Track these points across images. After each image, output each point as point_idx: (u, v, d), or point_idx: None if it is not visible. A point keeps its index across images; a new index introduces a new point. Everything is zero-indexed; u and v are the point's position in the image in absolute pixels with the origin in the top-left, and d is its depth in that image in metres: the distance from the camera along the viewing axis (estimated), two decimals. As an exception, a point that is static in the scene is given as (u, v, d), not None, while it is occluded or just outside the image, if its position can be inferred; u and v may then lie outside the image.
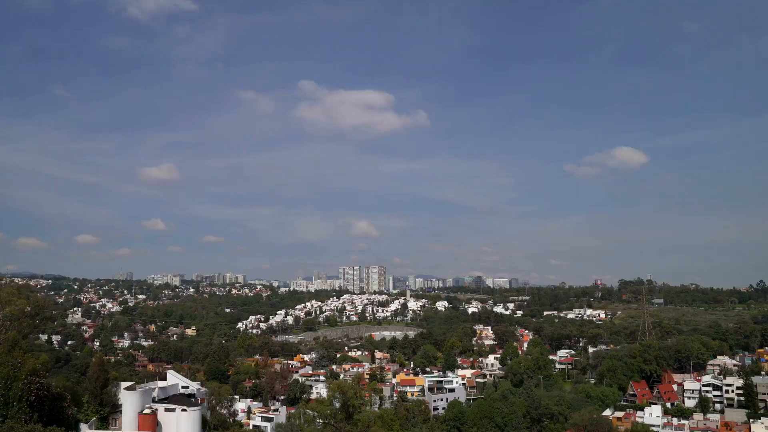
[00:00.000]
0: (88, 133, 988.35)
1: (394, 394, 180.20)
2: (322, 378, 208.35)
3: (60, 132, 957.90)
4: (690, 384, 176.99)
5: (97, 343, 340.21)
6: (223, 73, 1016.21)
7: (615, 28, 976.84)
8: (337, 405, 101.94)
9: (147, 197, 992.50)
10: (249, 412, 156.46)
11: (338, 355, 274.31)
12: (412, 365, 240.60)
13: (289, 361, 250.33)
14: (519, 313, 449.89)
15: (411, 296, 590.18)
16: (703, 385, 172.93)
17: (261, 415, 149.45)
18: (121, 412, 74.06)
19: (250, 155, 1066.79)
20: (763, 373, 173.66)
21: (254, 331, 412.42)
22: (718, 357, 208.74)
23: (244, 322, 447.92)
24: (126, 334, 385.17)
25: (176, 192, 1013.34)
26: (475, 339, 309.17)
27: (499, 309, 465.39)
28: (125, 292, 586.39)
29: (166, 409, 71.63)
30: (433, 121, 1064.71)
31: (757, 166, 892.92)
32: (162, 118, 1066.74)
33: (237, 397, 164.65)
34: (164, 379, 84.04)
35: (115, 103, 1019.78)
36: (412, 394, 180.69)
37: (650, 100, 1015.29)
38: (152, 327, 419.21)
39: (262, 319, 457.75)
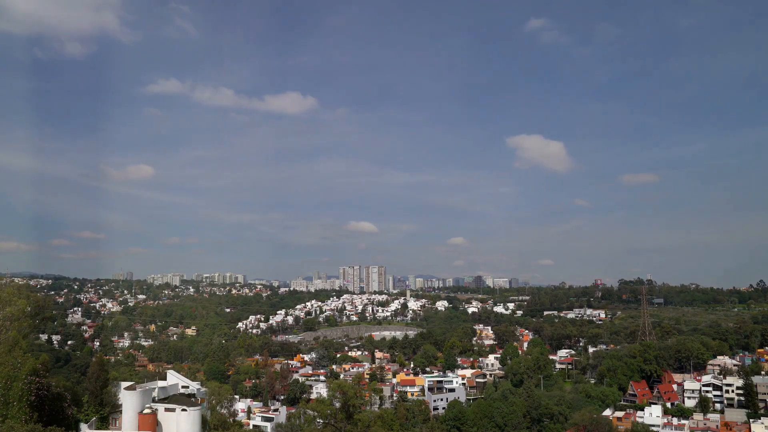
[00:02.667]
0: (122, 151, 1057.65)
1: (394, 394, 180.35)
2: (322, 378, 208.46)
3: (98, 150, 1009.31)
4: (690, 384, 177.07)
5: (97, 343, 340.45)
6: (245, 101, 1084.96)
7: (602, 65, 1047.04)
8: (337, 405, 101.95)
9: (168, 203, 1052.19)
10: (249, 412, 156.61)
11: (338, 355, 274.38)
12: (412, 365, 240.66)
13: (289, 361, 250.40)
14: (519, 313, 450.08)
15: (411, 296, 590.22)
16: (703, 385, 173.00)
17: (261, 415, 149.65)
18: (121, 412, 74.00)
19: (268, 168, 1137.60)
20: (763, 373, 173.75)
21: (254, 331, 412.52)
22: (718, 357, 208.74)
23: (244, 322, 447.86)
24: (126, 334, 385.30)
25: (194, 199, 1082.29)
26: (475, 339, 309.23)
27: (499, 309, 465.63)
28: (125, 292, 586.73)
29: (166, 409, 71.53)
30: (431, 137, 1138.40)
31: (756, 173, 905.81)
32: (188, 138, 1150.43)
33: (237, 397, 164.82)
34: (164, 379, 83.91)
35: (150, 128, 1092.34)
36: (412, 394, 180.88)
37: (632, 119, 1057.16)
38: (152, 327, 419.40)
39: (262, 319, 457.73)
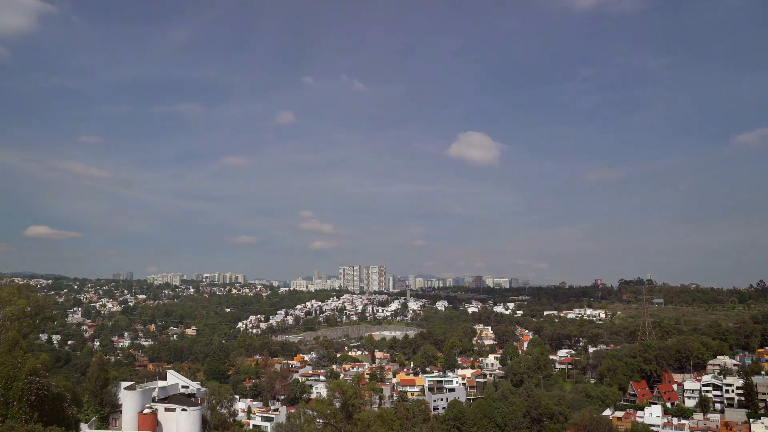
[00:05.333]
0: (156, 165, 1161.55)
1: (394, 394, 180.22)
2: (322, 378, 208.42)
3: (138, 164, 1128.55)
4: (690, 384, 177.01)
5: (97, 343, 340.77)
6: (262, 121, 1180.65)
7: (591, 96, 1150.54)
8: (338, 405, 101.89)
9: (193, 210, 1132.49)
10: (249, 411, 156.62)
11: (338, 355, 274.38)
12: (412, 365, 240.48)
13: (289, 361, 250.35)
14: (519, 312, 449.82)
15: (411, 296, 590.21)
16: (703, 385, 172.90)
17: (261, 414, 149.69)
18: (121, 411, 74.10)
19: (288, 179, 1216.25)
20: (763, 373, 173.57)
21: (254, 331, 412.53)
22: (718, 357, 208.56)
23: (244, 322, 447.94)
24: (126, 334, 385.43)
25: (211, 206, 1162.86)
26: (475, 339, 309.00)
27: (499, 309, 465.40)
28: (125, 291, 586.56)
29: (166, 409, 71.65)
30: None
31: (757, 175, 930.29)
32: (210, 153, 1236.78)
33: (237, 396, 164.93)
34: (164, 378, 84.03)
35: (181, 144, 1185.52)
36: (412, 394, 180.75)
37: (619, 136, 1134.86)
38: (152, 327, 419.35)
39: (262, 318, 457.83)
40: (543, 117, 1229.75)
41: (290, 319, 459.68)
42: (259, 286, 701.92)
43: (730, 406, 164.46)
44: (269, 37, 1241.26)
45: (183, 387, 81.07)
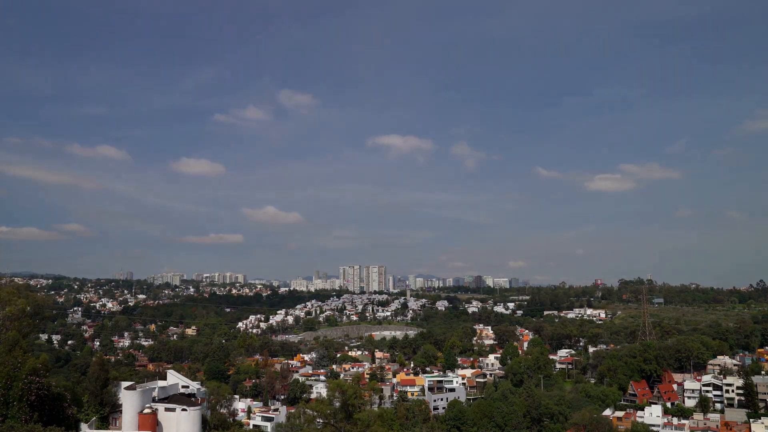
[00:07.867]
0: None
1: (395, 394, 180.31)
2: (322, 378, 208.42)
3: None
4: (690, 384, 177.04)
5: (97, 343, 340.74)
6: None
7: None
8: (337, 405, 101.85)
9: (203, 214, 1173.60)
10: (249, 411, 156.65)
11: (338, 355, 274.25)
12: (412, 365, 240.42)
13: (289, 361, 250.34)
14: (519, 312, 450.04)
15: (411, 296, 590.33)
16: (704, 385, 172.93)
17: (261, 414, 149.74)
18: (121, 411, 74.11)
19: (291, 185, 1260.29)
20: (763, 372, 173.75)
21: (254, 330, 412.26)
22: (718, 357, 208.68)
23: (244, 321, 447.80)
24: (126, 334, 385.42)
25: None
26: (475, 339, 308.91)
27: (499, 309, 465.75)
28: (125, 291, 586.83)
29: (166, 409, 71.66)
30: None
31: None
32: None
33: (237, 396, 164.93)
34: (164, 378, 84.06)
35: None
36: (413, 394, 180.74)
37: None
38: (152, 327, 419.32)
39: (262, 318, 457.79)
40: (538, 130, 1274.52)
41: (290, 319, 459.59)
42: (259, 286, 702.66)
43: (730, 406, 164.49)
44: (271, 76, 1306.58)
45: (183, 387, 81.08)
